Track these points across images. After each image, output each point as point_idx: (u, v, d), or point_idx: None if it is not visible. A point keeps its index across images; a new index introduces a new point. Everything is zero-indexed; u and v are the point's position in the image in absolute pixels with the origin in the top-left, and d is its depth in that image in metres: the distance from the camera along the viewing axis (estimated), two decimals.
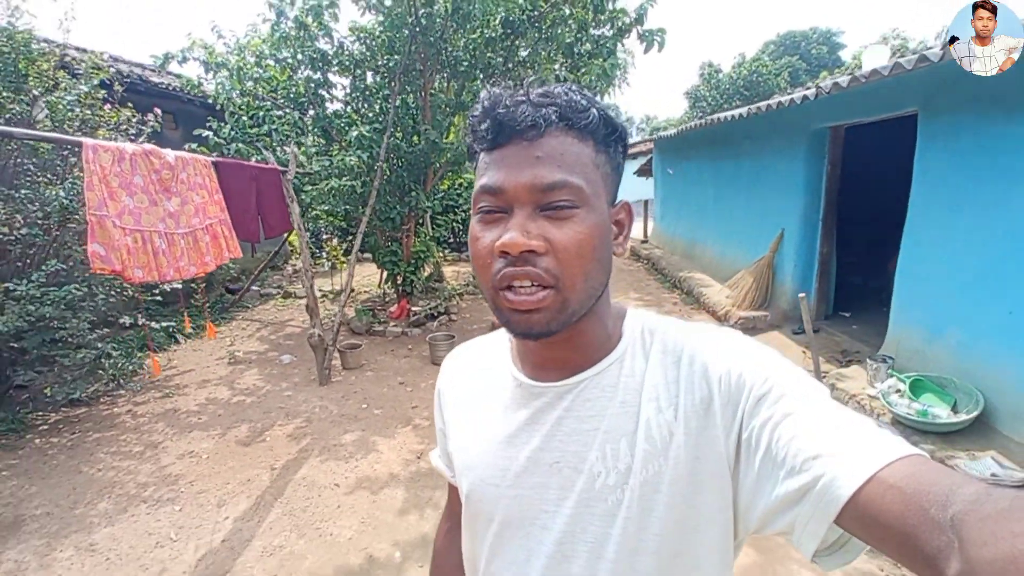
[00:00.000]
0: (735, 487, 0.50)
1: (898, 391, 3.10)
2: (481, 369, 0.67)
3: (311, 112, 5.47)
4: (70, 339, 3.75)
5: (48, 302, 3.19)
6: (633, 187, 16.79)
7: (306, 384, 4.44)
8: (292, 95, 5.29)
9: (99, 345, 3.76)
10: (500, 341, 0.68)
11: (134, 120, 4.03)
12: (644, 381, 0.55)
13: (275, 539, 2.53)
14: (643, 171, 11.80)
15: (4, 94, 3.45)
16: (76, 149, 3.34)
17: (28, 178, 3.55)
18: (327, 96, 5.65)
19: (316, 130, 5.45)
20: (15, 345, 3.55)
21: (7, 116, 3.55)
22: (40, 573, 2.35)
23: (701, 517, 0.51)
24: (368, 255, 6.75)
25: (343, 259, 8.55)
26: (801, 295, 3.34)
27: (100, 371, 3.99)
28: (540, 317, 0.50)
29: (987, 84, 2.72)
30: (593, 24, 4.92)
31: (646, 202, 11.34)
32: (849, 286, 5.53)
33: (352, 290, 6.44)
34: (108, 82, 4.07)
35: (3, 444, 3.51)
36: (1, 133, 2.45)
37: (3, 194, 3.23)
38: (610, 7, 4.64)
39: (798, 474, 0.42)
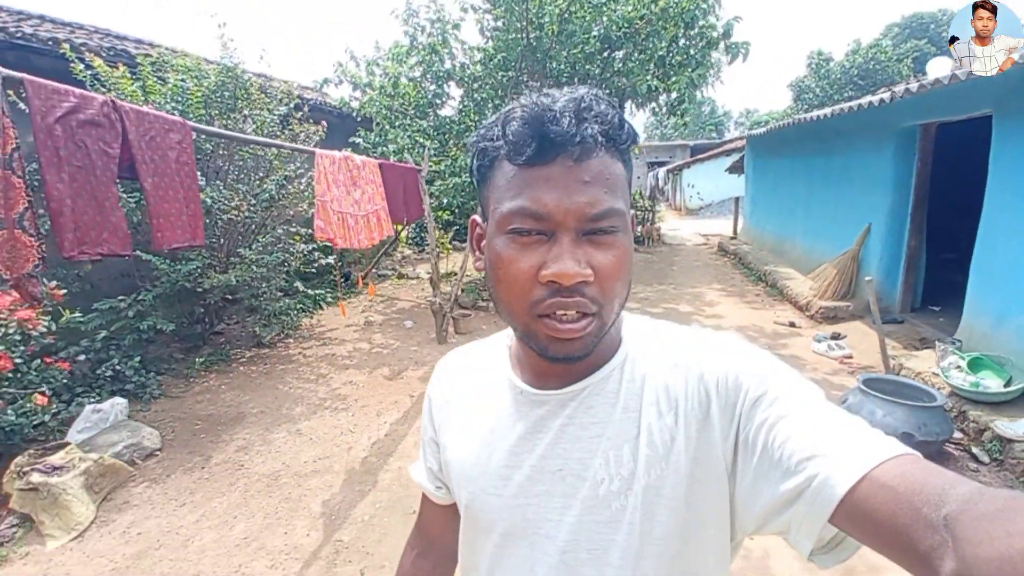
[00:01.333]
0: (732, 489, 0.50)
1: (958, 367, 3.40)
2: (477, 376, 0.65)
3: (431, 119, 6.51)
4: (268, 295, 5.03)
5: (263, 264, 4.41)
6: (726, 184, 16.58)
7: (427, 343, 5.44)
8: (420, 105, 6.37)
9: (284, 301, 4.99)
10: (496, 347, 0.67)
11: (314, 132, 5.27)
12: (644, 386, 0.54)
13: (417, 445, 3.45)
14: (735, 168, 11.84)
15: (228, 115, 4.73)
16: (282, 153, 4.56)
17: (244, 175, 4.83)
18: (441, 104, 6.69)
19: (435, 134, 6.49)
20: (229, 297, 4.86)
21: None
22: (264, 447, 3.44)
23: (700, 519, 0.52)
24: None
25: (449, 246, 9.66)
26: (868, 279, 3.69)
27: (279, 322, 5.26)
28: (581, 344, 0.50)
29: None
30: (684, 37, 5.44)
31: (737, 199, 11.40)
32: (944, 282, 5.57)
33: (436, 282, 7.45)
34: (299, 105, 5.35)
35: (218, 370, 4.81)
36: (266, 143, 3.55)
37: (233, 187, 4.50)
38: (701, 22, 5.16)
39: (793, 474, 0.42)
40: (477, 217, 0.58)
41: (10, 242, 1.49)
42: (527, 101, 0.49)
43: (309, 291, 6.19)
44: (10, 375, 3.05)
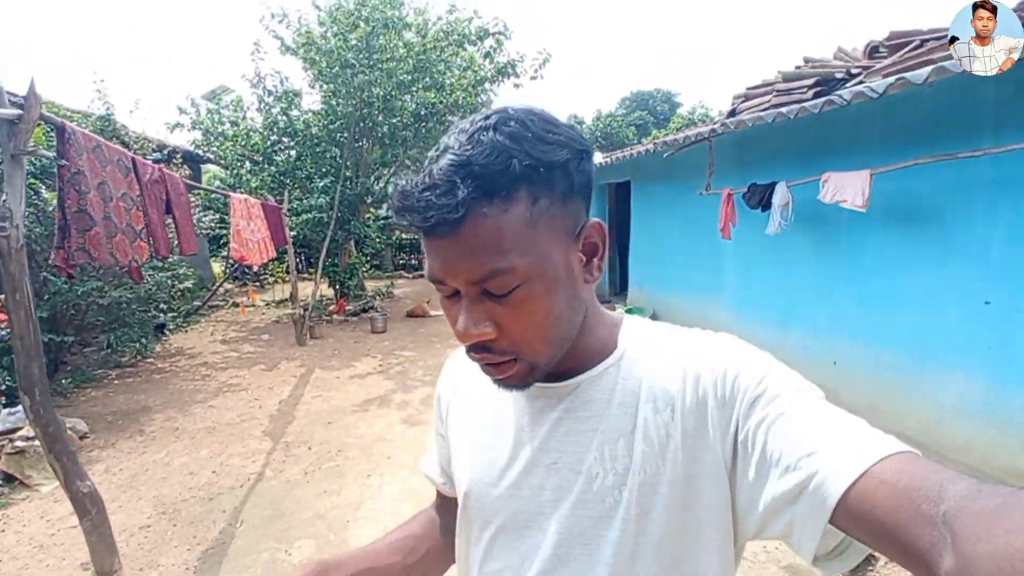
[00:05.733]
0: (733, 489, 0.50)
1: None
2: (482, 373, 0.61)
3: (277, 165, 7.79)
4: (126, 320, 5.67)
5: (154, 283, 5.25)
6: None
7: (289, 346, 6.66)
8: (267, 154, 7.61)
9: (136, 329, 5.73)
10: None
11: (186, 174, 6.17)
12: (641, 383, 0.55)
13: (314, 397, 4.89)
14: None
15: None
16: None
17: None
18: (282, 151, 8.01)
19: (281, 179, 7.78)
20: (101, 318, 5.43)
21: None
22: (187, 418, 4.46)
23: (700, 521, 0.51)
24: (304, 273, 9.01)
25: (285, 276, 10.55)
26: None
27: (148, 341, 5.90)
28: (513, 382, 0.52)
29: (650, 167, 6.13)
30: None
31: None
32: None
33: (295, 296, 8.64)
34: (172, 152, 6.19)
35: (90, 387, 5.32)
36: (196, 187, 4.60)
37: None
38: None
39: (792, 472, 0.42)
40: None
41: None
42: (398, 184, 0.47)
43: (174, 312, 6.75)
44: None
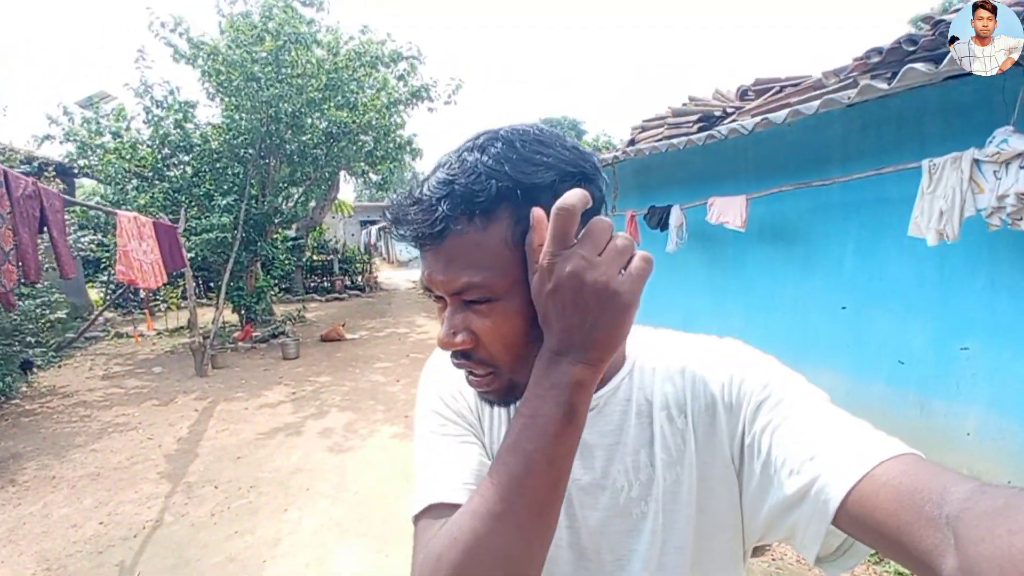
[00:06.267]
0: (740, 492, 0.51)
1: None
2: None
3: (171, 181, 7.20)
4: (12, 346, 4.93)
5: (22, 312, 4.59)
6: None
7: (187, 378, 6.11)
8: (157, 168, 7.00)
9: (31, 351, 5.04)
10: None
11: (60, 189, 5.49)
12: (654, 392, 0.55)
13: (220, 431, 4.54)
14: None
15: None
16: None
17: None
18: (176, 166, 7.44)
19: (174, 196, 7.20)
20: None
21: None
22: (65, 464, 3.95)
23: (713, 524, 0.53)
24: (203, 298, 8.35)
25: (179, 302, 9.63)
26: None
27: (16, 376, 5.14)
28: (493, 396, 0.52)
29: None
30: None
31: None
32: None
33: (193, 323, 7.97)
34: (43, 165, 5.48)
35: None
36: (78, 203, 4.13)
37: None
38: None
39: (796, 475, 0.43)
40: None
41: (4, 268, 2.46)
42: (392, 198, 0.51)
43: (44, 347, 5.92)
44: None
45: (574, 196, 0.43)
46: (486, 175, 0.45)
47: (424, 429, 0.61)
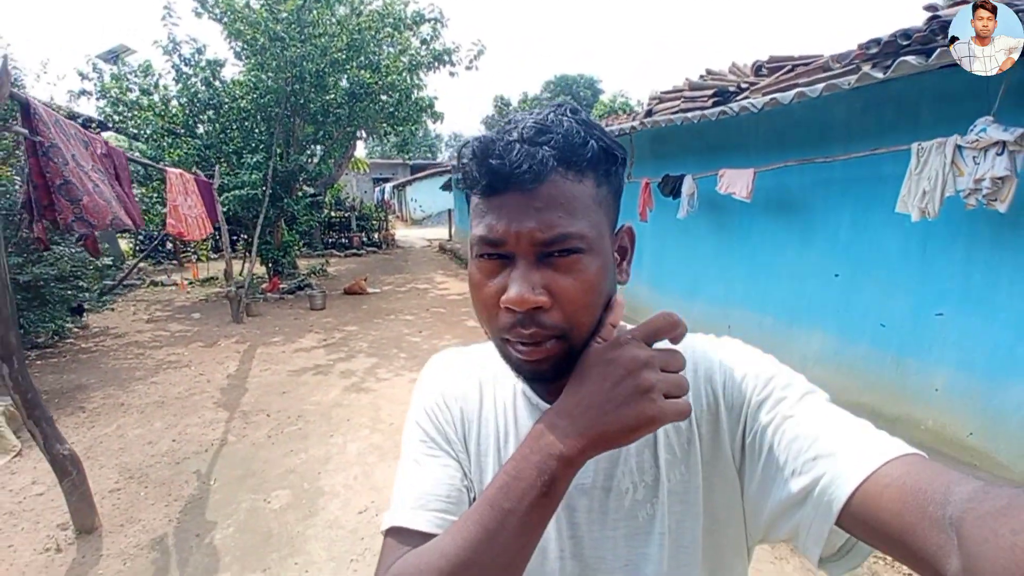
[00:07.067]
0: (742, 491, 0.51)
1: None
2: (488, 387, 0.62)
3: (201, 138, 7.50)
4: (46, 298, 5.39)
5: (74, 260, 5.03)
6: (441, 199, 20.37)
7: (224, 324, 6.60)
8: (188, 126, 7.29)
9: (55, 308, 5.49)
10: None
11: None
12: None
13: (263, 370, 5.02)
14: (447, 186, 15.35)
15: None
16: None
17: None
18: (204, 123, 7.72)
19: (205, 152, 7.50)
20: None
21: None
22: (129, 395, 4.45)
23: (720, 521, 0.53)
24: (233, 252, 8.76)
25: (208, 254, 10.10)
26: None
27: (51, 324, 5.62)
28: (548, 367, 0.49)
29: None
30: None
31: (449, 211, 14.89)
32: None
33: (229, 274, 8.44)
34: (85, 123, 5.78)
35: None
36: (135, 160, 4.47)
37: None
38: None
39: (799, 476, 0.43)
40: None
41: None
42: (479, 137, 0.49)
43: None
44: None
45: (683, 326, 0.46)
46: (583, 135, 0.48)
47: (407, 439, 0.62)
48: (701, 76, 4.42)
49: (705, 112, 3.79)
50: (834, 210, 3.72)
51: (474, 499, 0.57)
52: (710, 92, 3.98)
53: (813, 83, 2.94)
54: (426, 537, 0.50)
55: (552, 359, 0.48)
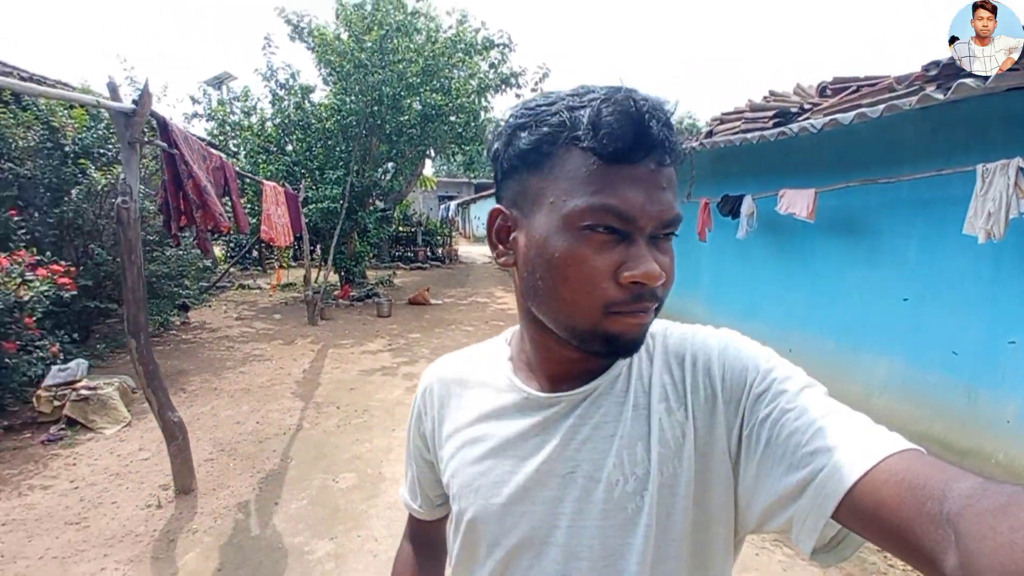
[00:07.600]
0: (736, 483, 0.51)
1: None
2: (475, 384, 0.64)
3: (290, 155, 8.30)
4: (158, 293, 6.16)
5: (184, 261, 5.76)
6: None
7: (301, 325, 7.19)
8: (280, 144, 8.11)
9: (164, 301, 6.23)
10: (492, 354, 0.66)
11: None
12: (652, 383, 0.54)
13: (334, 368, 5.46)
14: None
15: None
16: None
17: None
18: (290, 142, 8.54)
19: (293, 168, 8.29)
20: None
21: None
22: (221, 381, 4.99)
23: (710, 516, 0.52)
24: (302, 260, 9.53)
25: (288, 261, 11.01)
26: None
27: (159, 316, 6.37)
28: (642, 336, 0.50)
29: None
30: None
31: None
32: None
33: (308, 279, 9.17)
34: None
35: (121, 352, 5.81)
36: (241, 175, 5.16)
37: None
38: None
39: (797, 469, 0.43)
40: (503, 207, 0.54)
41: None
42: (610, 92, 0.46)
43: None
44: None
45: None
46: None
47: (407, 432, 0.75)
48: (764, 97, 4.46)
49: (764, 133, 3.83)
50: (902, 231, 3.63)
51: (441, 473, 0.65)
52: (771, 113, 4.02)
53: (876, 103, 2.95)
54: (411, 512, 0.75)
55: (645, 328, 0.50)
